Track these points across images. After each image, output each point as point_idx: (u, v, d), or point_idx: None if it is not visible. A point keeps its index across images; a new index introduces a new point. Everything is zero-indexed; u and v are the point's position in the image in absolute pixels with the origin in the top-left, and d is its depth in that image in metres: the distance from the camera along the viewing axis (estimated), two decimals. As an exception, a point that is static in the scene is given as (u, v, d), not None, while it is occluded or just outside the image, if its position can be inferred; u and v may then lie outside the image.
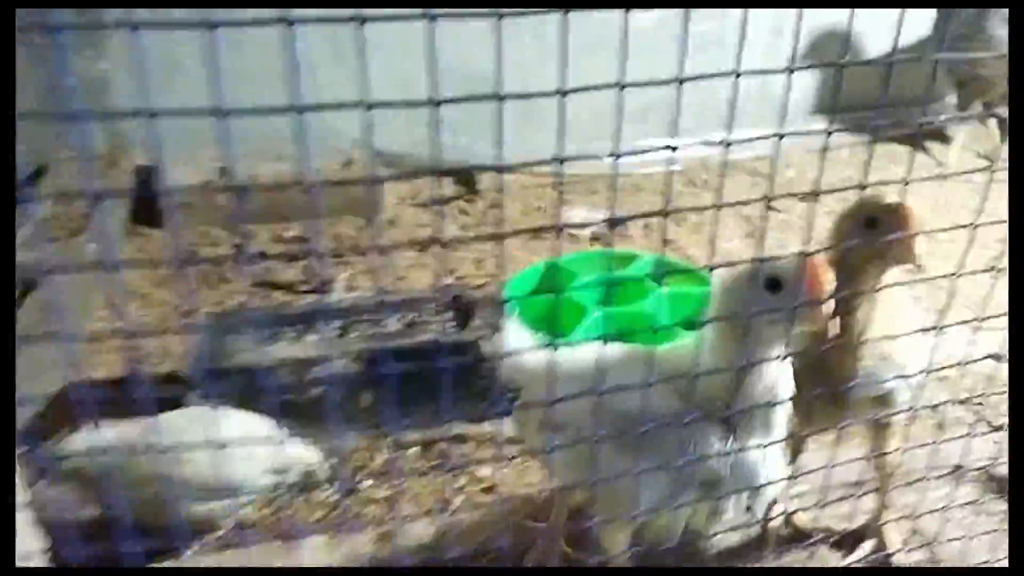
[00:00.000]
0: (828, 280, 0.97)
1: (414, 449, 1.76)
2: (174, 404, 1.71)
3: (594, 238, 2.94)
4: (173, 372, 2.00)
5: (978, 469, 1.60)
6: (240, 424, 1.31)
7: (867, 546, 1.49)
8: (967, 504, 1.53)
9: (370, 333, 1.81)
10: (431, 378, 1.68)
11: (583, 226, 2.94)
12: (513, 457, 1.70)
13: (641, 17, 3.33)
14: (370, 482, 1.68)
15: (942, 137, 3.71)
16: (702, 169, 3.39)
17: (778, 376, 1.05)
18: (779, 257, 1.01)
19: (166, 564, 1.40)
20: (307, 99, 0.70)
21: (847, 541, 1.51)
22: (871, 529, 1.50)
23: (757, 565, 1.49)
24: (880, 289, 1.17)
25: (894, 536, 1.50)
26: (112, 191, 2.81)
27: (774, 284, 0.99)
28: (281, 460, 1.40)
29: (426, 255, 2.75)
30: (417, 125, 3.39)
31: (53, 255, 2.36)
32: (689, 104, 0.69)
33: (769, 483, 1.08)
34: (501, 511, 1.55)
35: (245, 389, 1.67)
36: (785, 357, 1.03)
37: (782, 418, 1.08)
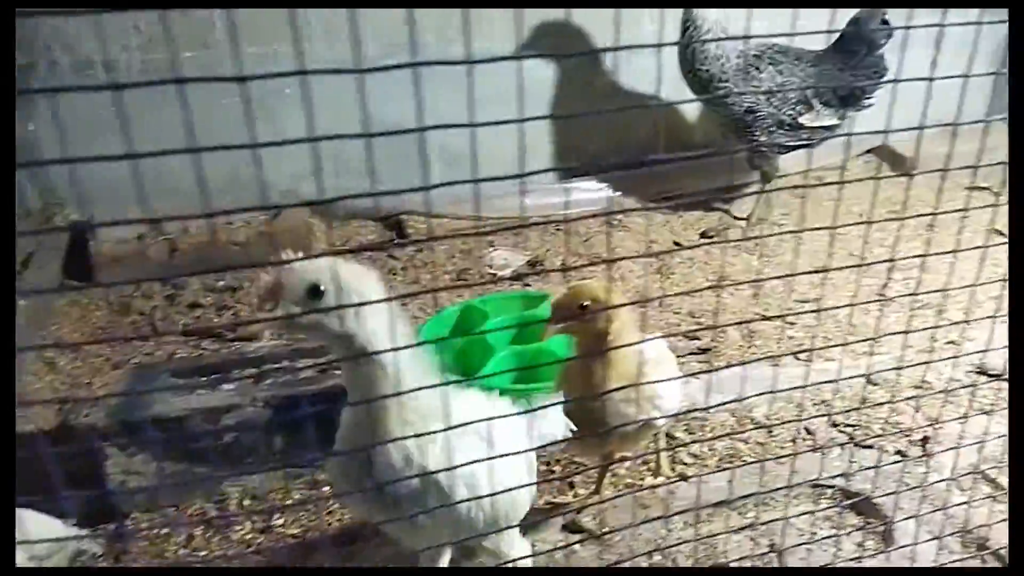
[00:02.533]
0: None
1: (326, 488, 1.88)
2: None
3: (515, 279, 3.09)
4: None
5: (832, 487, 1.77)
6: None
7: None
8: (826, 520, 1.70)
9: (282, 380, 1.93)
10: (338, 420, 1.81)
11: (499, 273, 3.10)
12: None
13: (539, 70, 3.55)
14: (282, 519, 1.79)
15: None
16: (619, 208, 3.59)
17: None
18: None
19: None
20: (236, 155, 0.83)
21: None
22: None
23: None
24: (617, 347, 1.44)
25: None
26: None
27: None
28: (47, 546, 1.52)
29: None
30: (345, 174, 3.53)
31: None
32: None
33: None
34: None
35: (159, 438, 1.79)
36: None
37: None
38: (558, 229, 3.42)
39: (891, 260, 1.31)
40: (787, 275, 1.08)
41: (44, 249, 2.91)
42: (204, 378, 1.95)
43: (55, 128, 2.94)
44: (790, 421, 2.07)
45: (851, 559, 1.52)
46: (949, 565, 1.47)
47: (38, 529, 1.49)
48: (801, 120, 3.29)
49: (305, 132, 0.81)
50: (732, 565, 1.56)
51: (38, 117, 3.00)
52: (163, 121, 0.78)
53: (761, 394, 1.34)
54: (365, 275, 1.13)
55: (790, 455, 1.46)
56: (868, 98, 3.28)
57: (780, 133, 3.25)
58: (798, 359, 2.40)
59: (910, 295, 1.22)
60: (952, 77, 1.10)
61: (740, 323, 2.64)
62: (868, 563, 1.48)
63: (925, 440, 1.95)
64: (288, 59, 3.21)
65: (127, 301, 2.84)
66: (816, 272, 1.21)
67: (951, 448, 1.46)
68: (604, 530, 1.68)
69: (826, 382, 1.91)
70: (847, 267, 1.20)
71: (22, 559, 1.58)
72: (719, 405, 1.70)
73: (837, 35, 3.26)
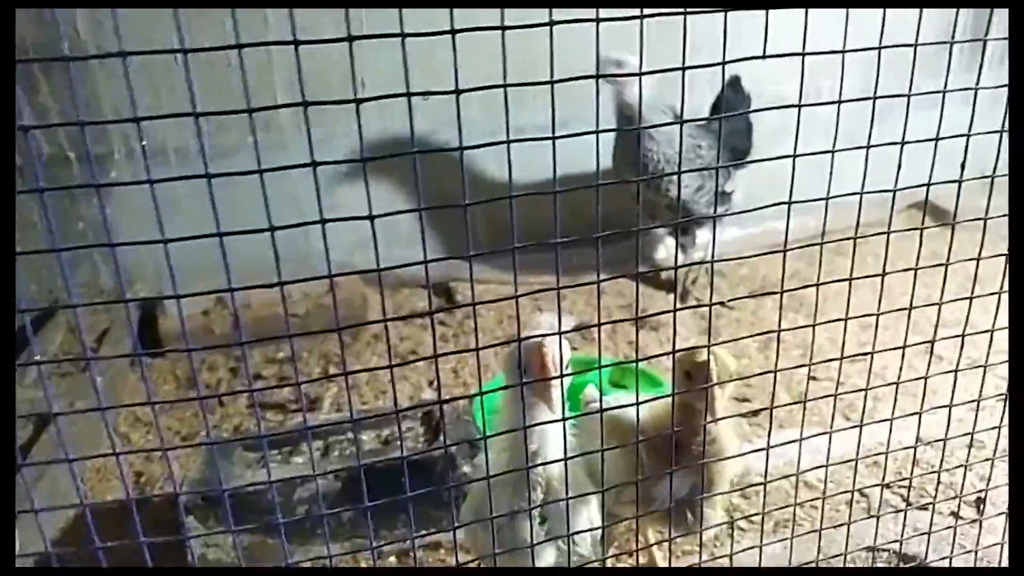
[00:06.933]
0: (552, 362, 1.29)
1: (392, 558, 1.95)
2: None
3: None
4: (175, 495, 2.20)
5: (887, 551, 1.79)
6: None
7: None
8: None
9: (348, 453, 2.02)
10: (404, 492, 1.88)
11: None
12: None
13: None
14: (352, 590, 1.86)
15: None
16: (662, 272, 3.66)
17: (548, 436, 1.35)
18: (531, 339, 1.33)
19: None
20: (295, 230, 0.94)
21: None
22: None
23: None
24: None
25: None
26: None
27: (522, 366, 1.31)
28: None
29: (407, 367, 2.98)
30: (395, 245, 3.68)
31: (64, 391, 2.60)
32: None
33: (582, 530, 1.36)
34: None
35: (236, 511, 1.88)
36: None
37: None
38: (603, 291, 3.49)
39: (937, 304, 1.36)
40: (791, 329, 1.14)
41: (117, 326, 3.08)
42: (276, 451, 2.05)
43: (128, 212, 3.13)
44: (845, 491, 2.09)
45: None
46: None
47: None
48: (725, 188, 3.38)
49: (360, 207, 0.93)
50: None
51: (115, 200, 3.20)
52: (228, 199, 0.90)
53: (818, 467, 1.40)
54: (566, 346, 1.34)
55: (845, 523, 1.49)
56: (746, 159, 3.40)
57: (711, 204, 3.32)
58: (848, 419, 2.42)
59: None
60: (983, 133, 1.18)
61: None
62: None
63: (979, 501, 1.96)
64: (345, 137, 3.39)
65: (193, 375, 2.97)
66: (828, 321, 1.27)
67: (1002, 512, 1.48)
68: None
69: (877, 453, 1.94)
70: (862, 316, 1.27)
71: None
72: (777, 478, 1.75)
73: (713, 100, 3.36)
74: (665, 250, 3.84)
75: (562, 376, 1.27)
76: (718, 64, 1.06)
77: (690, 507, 1.48)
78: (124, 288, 3.27)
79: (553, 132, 1.05)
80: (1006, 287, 1.30)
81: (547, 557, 1.36)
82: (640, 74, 1.04)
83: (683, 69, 1.06)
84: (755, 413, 2.54)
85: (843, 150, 1.14)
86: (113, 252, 0.91)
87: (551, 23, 0.96)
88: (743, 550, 1.33)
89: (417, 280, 3.61)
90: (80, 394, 2.61)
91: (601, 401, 1.54)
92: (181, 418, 2.71)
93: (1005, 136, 1.22)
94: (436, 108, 3.56)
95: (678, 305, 1.23)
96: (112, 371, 2.81)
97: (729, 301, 3.25)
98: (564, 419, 1.26)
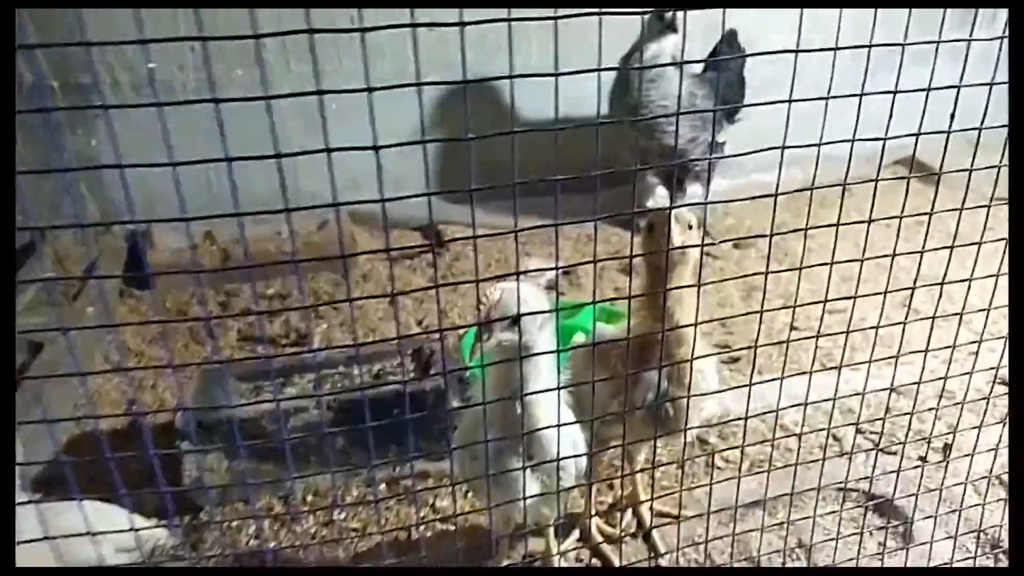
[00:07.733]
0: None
1: (382, 486, 2.02)
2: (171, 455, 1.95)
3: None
4: (168, 423, 2.25)
5: (856, 490, 1.88)
6: (90, 513, 1.40)
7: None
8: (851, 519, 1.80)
9: (340, 386, 2.07)
10: (395, 423, 1.94)
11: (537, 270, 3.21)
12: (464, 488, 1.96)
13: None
14: (343, 514, 1.93)
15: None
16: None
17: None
18: None
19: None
20: (285, 168, 0.95)
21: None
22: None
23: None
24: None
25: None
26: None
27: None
28: (131, 539, 1.62)
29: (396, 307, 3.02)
30: (386, 187, 3.68)
31: (55, 319, 2.61)
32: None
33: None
34: (454, 537, 1.81)
35: (231, 438, 1.93)
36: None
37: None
38: (590, 239, 3.53)
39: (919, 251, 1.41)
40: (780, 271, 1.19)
41: (105, 259, 3.08)
42: (268, 382, 2.09)
43: (115, 144, 3.11)
44: (819, 430, 2.18)
45: (873, 555, 1.63)
46: (963, 563, 1.58)
47: (121, 522, 1.60)
48: (718, 138, 3.41)
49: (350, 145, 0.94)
50: (763, 562, 1.67)
51: (99, 134, 3.17)
52: (214, 134, 0.90)
53: (793, 406, 1.46)
54: (540, 295, 1.39)
55: (818, 460, 1.57)
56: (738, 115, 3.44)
57: (706, 153, 3.35)
58: (824, 367, 2.50)
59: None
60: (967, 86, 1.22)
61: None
62: (888, 561, 1.58)
63: (947, 447, 2.05)
64: (334, 74, 3.37)
65: (184, 308, 3.00)
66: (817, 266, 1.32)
67: (967, 455, 1.56)
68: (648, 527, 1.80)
69: (851, 395, 2.02)
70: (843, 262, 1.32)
71: (109, 552, 1.72)
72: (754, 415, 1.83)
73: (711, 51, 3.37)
74: (654, 202, 3.87)
75: (557, 310, 1.31)
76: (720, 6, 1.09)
77: (670, 404, 1.53)
78: (115, 218, 3.25)
79: (556, 68, 1.06)
80: (985, 239, 1.35)
81: (532, 487, 1.41)
82: (641, 12, 1.06)
83: (684, 10, 1.08)
84: (735, 360, 2.62)
85: (837, 97, 1.17)
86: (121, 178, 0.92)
87: (555, 17, 0.97)
88: (719, 481, 1.39)
89: (406, 221, 3.63)
90: (70, 324, 2.63)
91: (594, 335, 1.59)
92: (172, 349, 2.74)
93: (992, 91, 1.25)
94: (428, 50, 3.54)
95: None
96: (100, 304, 2.82)
97: (720, 242, 3.32)
98: (557, 351, 1.30)
